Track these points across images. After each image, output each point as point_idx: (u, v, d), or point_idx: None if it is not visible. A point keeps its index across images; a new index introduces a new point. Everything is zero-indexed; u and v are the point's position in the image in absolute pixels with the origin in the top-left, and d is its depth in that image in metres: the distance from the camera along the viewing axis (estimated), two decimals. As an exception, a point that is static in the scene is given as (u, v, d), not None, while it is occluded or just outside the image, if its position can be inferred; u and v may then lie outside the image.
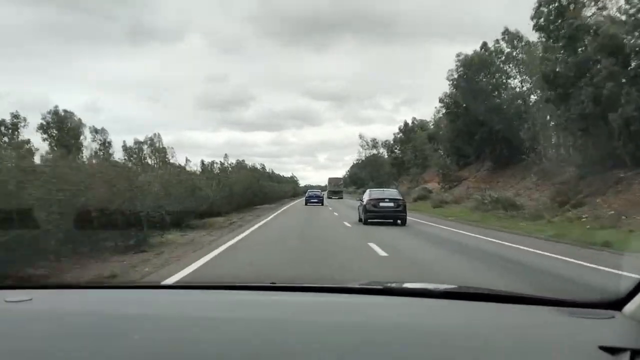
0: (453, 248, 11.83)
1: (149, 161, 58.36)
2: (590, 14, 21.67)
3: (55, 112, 60.47)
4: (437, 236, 15.00)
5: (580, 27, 20.53)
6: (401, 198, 19.31)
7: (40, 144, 53.91)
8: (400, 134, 71.64)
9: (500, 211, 22.49)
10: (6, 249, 6.52)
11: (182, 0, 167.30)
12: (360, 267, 8.52)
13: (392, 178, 66.15)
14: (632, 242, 11.78)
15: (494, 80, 35.75)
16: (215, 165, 37.69)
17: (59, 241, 7.76)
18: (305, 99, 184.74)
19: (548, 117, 27.75)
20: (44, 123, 59.80)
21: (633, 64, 18.66)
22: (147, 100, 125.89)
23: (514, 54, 35.73)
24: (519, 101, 33.86)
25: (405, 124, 71.67)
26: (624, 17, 19.49)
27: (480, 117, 32.82)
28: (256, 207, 33.30)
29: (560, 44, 21.37)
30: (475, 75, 35.55)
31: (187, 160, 51.74)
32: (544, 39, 23.69)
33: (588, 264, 9.03)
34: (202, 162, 42.13)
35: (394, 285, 1.71)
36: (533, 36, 27.04)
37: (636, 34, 18.29)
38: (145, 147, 67.78)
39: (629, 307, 1.28)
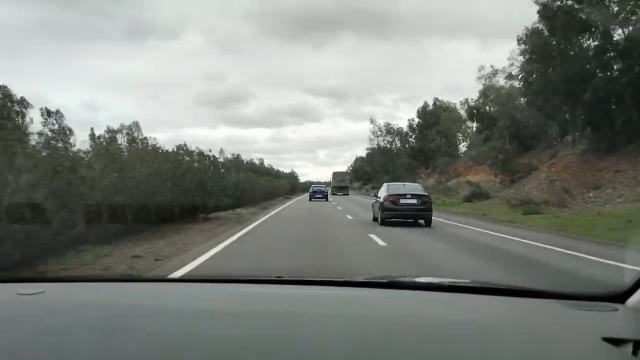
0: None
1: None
2: None
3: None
4: None
5: None
6: (426, 194, 16.64)
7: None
8: (419, 120, 59.26)
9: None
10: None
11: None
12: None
13: (408, 171, 54.27)
14: None
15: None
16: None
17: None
18: (304, 95, 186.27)
19: None
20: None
21: None
22: (145, 98, 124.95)
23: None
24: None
25: (424, 106, 59.33)
26: None
27: (586, 67, 20.14)
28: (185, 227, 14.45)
29: None
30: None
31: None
32: None
33: None
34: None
35: (400, 278, 1.70)
36: None
37: None
38: (119, 136, 56.70)
39: (632, 300, 1.31)
